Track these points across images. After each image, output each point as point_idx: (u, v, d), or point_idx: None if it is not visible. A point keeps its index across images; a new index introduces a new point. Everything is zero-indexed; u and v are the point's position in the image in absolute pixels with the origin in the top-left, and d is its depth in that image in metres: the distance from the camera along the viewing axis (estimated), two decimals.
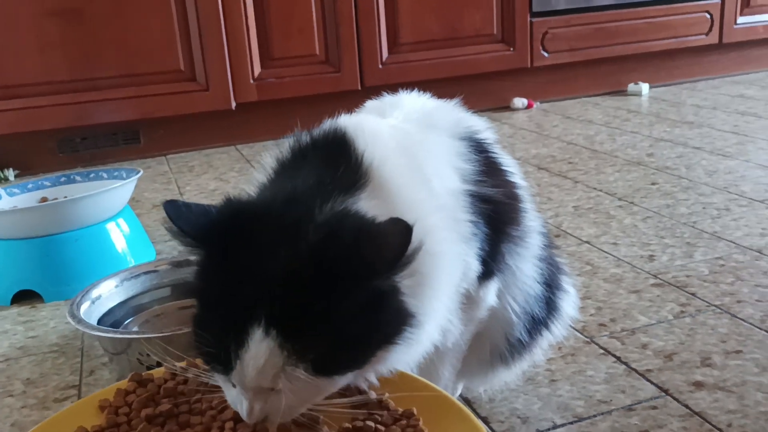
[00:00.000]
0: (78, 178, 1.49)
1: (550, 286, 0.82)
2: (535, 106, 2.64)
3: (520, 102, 2.62)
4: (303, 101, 2.33)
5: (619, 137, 2.11)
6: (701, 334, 0.98)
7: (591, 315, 1.06)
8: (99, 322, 1.01)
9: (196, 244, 0.56)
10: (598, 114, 2.46)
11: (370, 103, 0.81)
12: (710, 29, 2.80)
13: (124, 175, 1.45)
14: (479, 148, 0.75)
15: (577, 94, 2.76)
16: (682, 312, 1.05)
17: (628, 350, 0.96)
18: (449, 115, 0.77)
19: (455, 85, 2.59)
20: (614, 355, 0.95)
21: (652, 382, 0.88)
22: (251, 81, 2.30)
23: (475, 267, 0.69)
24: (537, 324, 0.81)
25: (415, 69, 2.46)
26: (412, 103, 0.79)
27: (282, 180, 0.62)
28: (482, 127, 0.80)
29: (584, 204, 1.56)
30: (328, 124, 0.66)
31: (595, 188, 1.66)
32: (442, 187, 0.67)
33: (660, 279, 1.16)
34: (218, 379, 0.57)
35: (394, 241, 0.51)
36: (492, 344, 0.79)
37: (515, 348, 0.80)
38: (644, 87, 2.73)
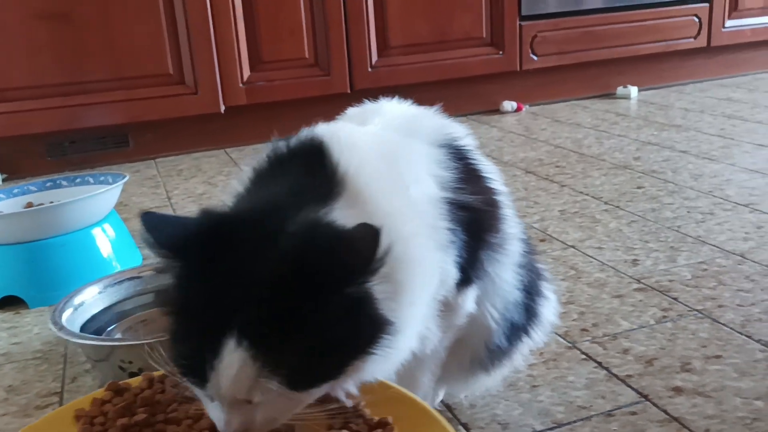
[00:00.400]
0: (64, 182, 1.49)
1: (530, 292, 0.82)
2: (524, 109, 2.65)
3: (509, 105, 2.63)
4: (292, 104, 2.34)
5: (606, 141, 2.12)
6: (682, 339, 0.99)
7: (573, 320, 1.07)
8: (82, 328, 1.01)
9: (172, 255, 0.56)
10: (586, 117, 2.47)
11: (351, 110, 0.82)
12: (698, 33, 2.82)
13: (111, 180, 1.45)
14: (459, 155, 0.75)
15: (566, 97, 2.77)
16: (664, 317, 1.06)
17: (610, 355, 0.96)
18: (429, 123, 0.78)
19: (445, 89, 2.60)
20: (595, 361, 0.95)
21: (632, 388, 0.88)
22: (240, 84, 2.30)
23: (453, 274, 0.69)
24: (517, 330, 0.81)
25: (405, 72, 2.46)
26: (393, 110, 0.79)
27: (258, 190, 0.62)
28: (462, 133, 0.80)
29: (570, 208, 1.56)
30: (304, 132, 0.66)
31: (581, 192, 1.66)
32: (419, 195, 0.67)
33: (643, 284, 1.17)
34: (198, 394, 0.58)
35: (363, 246, 0.51)
36: (471, 351, 0.80)
37: (495, 354, 0.80)
38: (633, 90, 2.74)
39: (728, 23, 2.85)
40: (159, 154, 2.35)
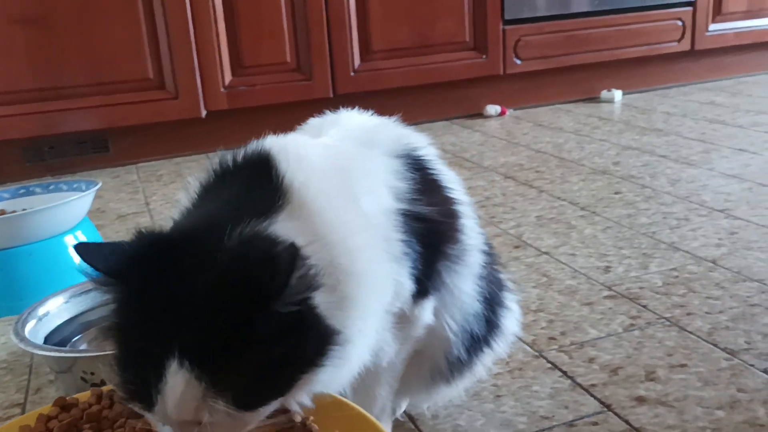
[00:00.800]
0: (38, 190, 1.48)
1: (492, 303, 0.82)
2: (507, 113, 2.65)
3: (493, 109, 2.63)
4: (274, 109, 2.33)
5: (587, 145, 2.12)
6: (648, 348, 0.99)
7: (542, 328, 1.06)
8: (46, 339, 1.00)
9: (110, 281, 0.56)
10: (569, 121, 2.47)
11: (312, 121, 0.82)
12: (682, 36, 2.82)
13: (84, 187, 1.44)
14: (416, 166, 0.75)
15: (550, 101, 2.78)
16: (632, 325, 1.05)
17: (576, 364, 0.96)
18: (387, 133, 0.77)
19: (428, 93, 2.60)
20: (561, 370, 0.95)
21: (595, 397, 0.88)
22: (221, 89, 2.29)
23: (409, 286, 0.69)
24: (477, 342, 0.81)
25: (388, 77, 2.46)
26: (351, 121, 0.79)
27: (203, 205, 0.61)
28: (422, 143, 0.80)
29: (547, 214, 1.56)
30: (253, 145, 0.66)
31: (559, 198, 1.66)
32: (372, 207, 0.66)
33: (613, 291, 1.17)
34: (151, 419, 0.57)
35: (280, 267, 0.50)
36: (431, 362, 0.79)
37: (455, 366, 0.80)
38: (617, 94, 2.75)
39: (712, 27, 2.86)
40: (140, 159, 2.34)
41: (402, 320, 0.71)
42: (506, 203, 1.65)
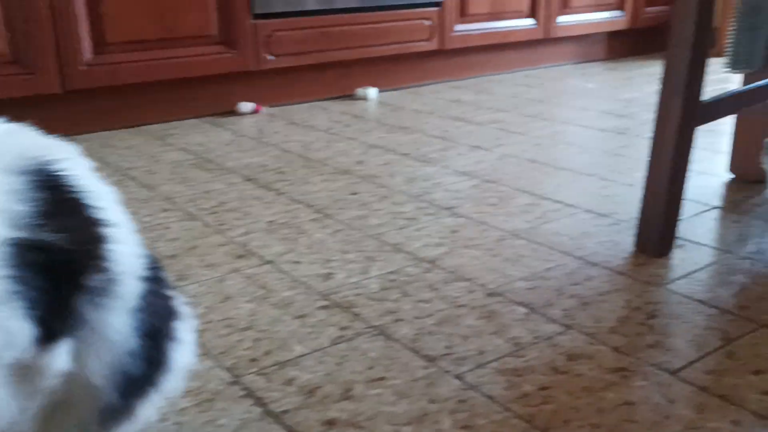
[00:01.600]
0: None
1: (156, 338, 0.72)
2: (262, 110, 2.57)
3: (246, 106, 2.53)
4: None
5: (335, 144, 2.10)
6: (351, 362, 0.95)
7: (246, 349, 0.99)
8: None
9: None
10: (323, 119, 2.44)
11: None
12: (431, 36, 2.92)
13: None
14: (48, 184, 0.63)
15: (307, 99, 2.74)
16: (341, 337, 1.01)
17: (272, 388, 0.89)
18: (9, 145, 0.64)
19: (177, 89, 2.44)
20: (255, 396, 0.88)
21: (284, 426, 0.82)
22: None
23: (26, 331, 0.57)
24: (136, 383, 0.70)
25: (127, 71, 2.26)
26: None
27: None
28: (64, 156, 0.68)
29: (280, 218, 1.50)
30: None
31: (296, 200, 1.61)
32: None
33: (329, 300, 1.13)
34: None
35: None
36: (77, 413, 0.68)
37: (109, 414, 0.69)
38: (372, 91, 2.78)
39: (458, 27, 2.99)
40: None
41: (25, 371, 0.60)
42: (240, 208, 1.57)
